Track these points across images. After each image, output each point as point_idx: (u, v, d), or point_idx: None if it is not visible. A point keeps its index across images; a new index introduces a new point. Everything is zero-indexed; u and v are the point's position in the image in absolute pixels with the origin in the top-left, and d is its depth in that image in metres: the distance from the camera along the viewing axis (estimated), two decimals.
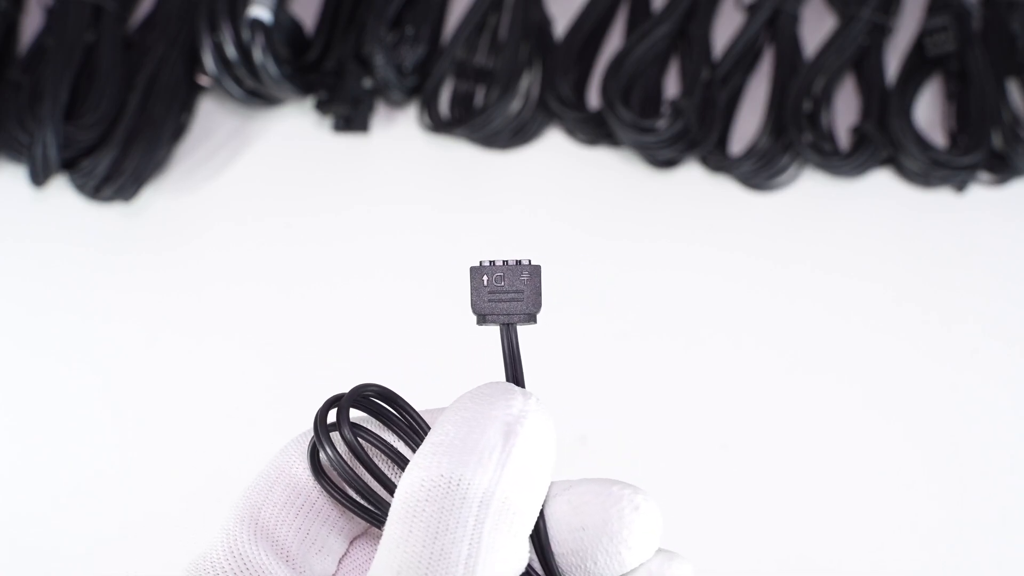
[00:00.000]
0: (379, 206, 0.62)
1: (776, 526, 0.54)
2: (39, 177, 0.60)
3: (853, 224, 0.61)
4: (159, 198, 0.62)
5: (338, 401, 0.28)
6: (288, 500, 0.28)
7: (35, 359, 0.59)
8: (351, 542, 0.30)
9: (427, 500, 0.25)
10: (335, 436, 0.28)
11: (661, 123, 0.59)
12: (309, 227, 0.62)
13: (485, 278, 0.30)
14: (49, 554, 0.54)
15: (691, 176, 0.62)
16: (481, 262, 0.30)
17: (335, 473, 0.28)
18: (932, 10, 0.63)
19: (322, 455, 0.28)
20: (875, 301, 0.59)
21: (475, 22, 0.63)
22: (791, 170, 0.61)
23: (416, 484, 0.25)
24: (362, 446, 0.28)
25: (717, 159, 0.61)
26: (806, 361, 0.57)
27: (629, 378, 0.58)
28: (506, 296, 0.30)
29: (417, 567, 0.25)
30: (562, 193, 0.62)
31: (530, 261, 0.30)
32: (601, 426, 0.56)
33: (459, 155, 0.63)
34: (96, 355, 0.59)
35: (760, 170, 0.60)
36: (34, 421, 0.58)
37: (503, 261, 0.30)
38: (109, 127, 0.61)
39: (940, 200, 0.60)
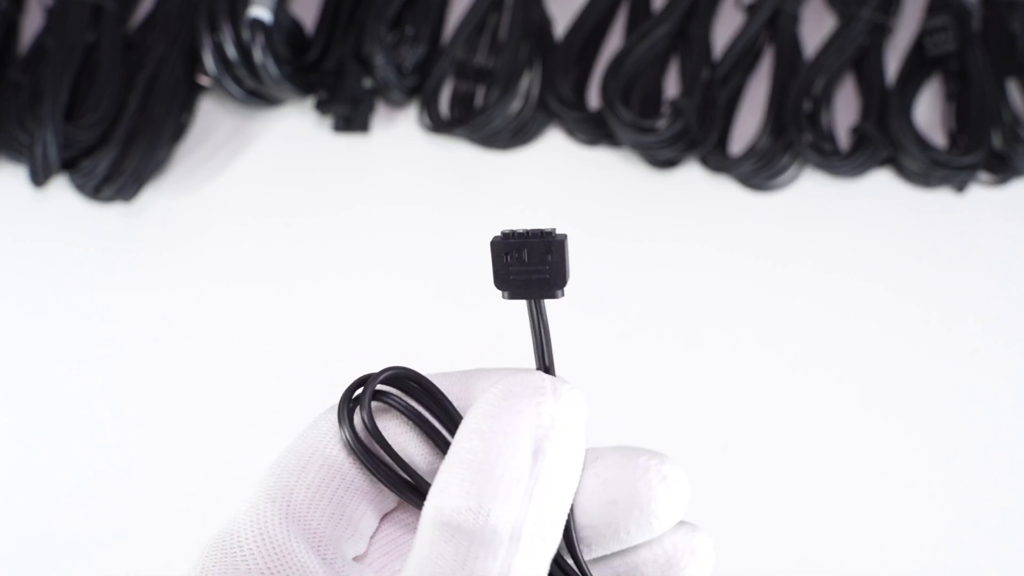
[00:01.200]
0: (379, 206, 0.62)
1: (776, 527, 0.54)
2: (39, 177, 0.60)
3: (853, 224, 0.60)
4: (159, 198, 0.63)
5: (365, 383, 0.28)
6: (323, 482, 0.28)
7: (35, 359, 0.59)
8: (382, 519, 0.30)
9: (457, 529, 0.25)
10: (369, 409, 0.27)
11: (661, 123, 0.59)
12: (309, 227, 0.62)
13: (507, 254, 0.28)
14: (49, 554, 0.54)
15: (691, 176, 0.62)
16: (504, 233, 0.28)
17: (365, 447, 0.28)
18: (932, 10, 0.63)
19: (346, 434, 0.27)
20: (875, 301, 0.59)
21: (475, 22, 0.63)
22: (791, 170, 0.61)
23: (445, 510, 0.25)
24: (379, 435, 0.28)
25: (717, 159, 0.61)
26: (806, 361, 0.57)
27: (629, 378, 0.58)
28: (531, 270, 0.28)
29: None
30: (562, 193, 0.62)
31: (554, 231, 0.28)
32: (601, 427, 0.56)
33: (459, 155, 0.63)
34: (96, 355, 0.59)
35: (760, 170, 0.60)
36: (34, 421, 0.58)
37: (525, 232, 0.28)
38: (109, 127, 0.61)
39: (940, 200, 0.60)
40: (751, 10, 0.63)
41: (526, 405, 0.26)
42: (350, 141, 0.64)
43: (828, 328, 0.58)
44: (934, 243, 0.60)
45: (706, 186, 0.62)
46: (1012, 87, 0.61)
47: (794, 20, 0.63)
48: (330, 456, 0.28)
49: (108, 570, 0.54)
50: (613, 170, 0.62)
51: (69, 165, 0.61)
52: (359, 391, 0.28)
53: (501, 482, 0.25)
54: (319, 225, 0.62)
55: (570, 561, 0.28)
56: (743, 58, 0.63)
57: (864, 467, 0.55)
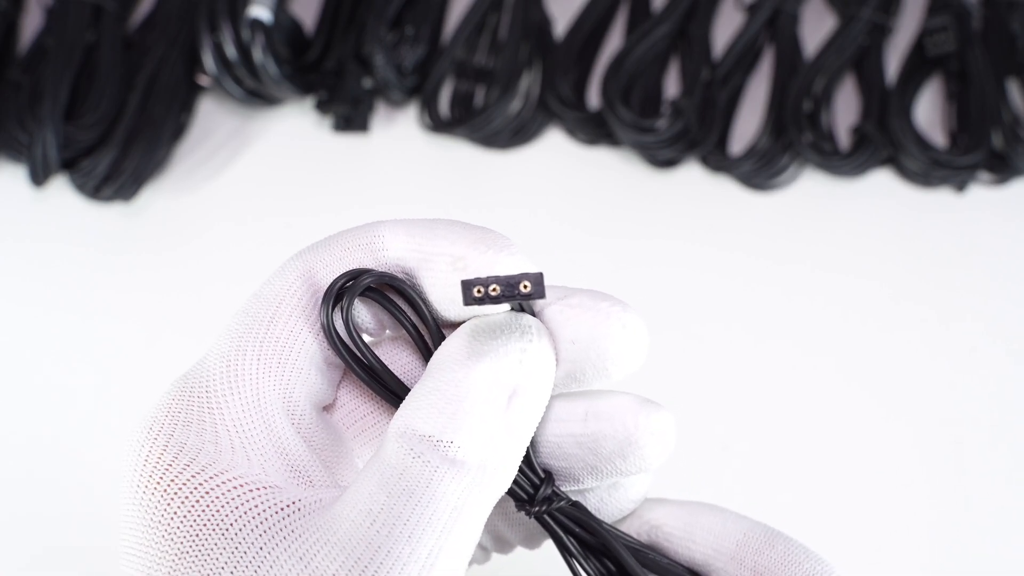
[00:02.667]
0: (379, 206, 0.62)
1: (776, 527, 0.54)
2: (39, 177, 0.60)
3: (853, 224, 0.60)
4: (159, 198, 0.62)
5: (357, 276, 0.28)
6: (293, 333, 0.28)
7: (35, 359, 0.59)
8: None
9: (425, 451, 0.25)
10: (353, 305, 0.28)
11: (661, 123, 0.59)
12: (309, 227, 0.62)
13: (477, 290, 0.27)
14: (47, 554, 0.54)
15: (691, 176, 0.62)
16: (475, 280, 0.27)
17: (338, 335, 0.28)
18: (932, 10, 0.63)
19: (324, 317, 0.28)
20: (875, 301, 0.59)
21: (475, 22, 0.63)
22: (791, 170, 0.61)
23: (416, 433, 0.26)
24: (359, 339, 0.28)
25: (717, 159, 0.61)
26: (806, 361, 0.57)
27: (628, 378, 0.58)
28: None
29: (395, 521, 0.25)
30: (562, 193, 0.62)
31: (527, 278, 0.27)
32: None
33: (459, 155, 0.63)
34: (96, 355, 0.59)
35: (760, 170, 0.60)
36: (33, 421, 0.58)
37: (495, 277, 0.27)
38: (109, 127, 0.61)
39: (940, 200, 0.60)
40: (751, 10, 0.63)
41: (513, 348, 0.27)
42: (350, 141, 0.64)
43: (828, 328, 0.58)
44: (934, 243, 0.60)
45: (706, 186, 0.62)
46: (1012, 87, 0.61)
47: (794, 20, 0.63)
48: (298, 307, 0.28)
49: (108, 571, 0.54)
50: (613, 170, 0.62)
51: (69, 165, 0.61)
52: (350, 282, 0.28)
53: (476, 420, 0.26)
54: (319, 225, 0.62)
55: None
56: (743, 58, 0.63)
57: (864, 465, 0.55)
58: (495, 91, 0.62)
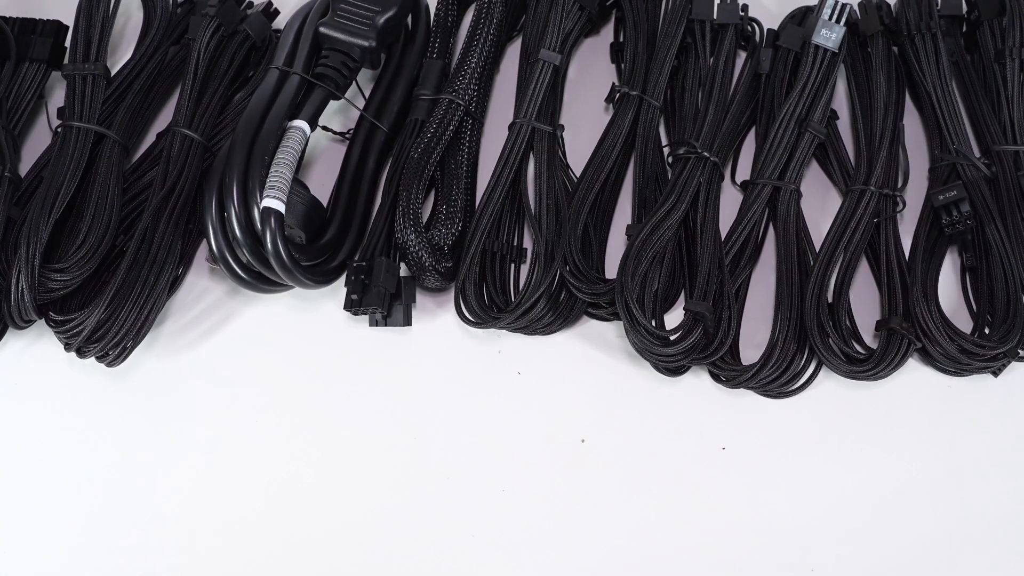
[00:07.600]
0: (421, 400, 0.61)
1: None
2: (16, 322, 0.58)
3: (881, 415, 0.60)
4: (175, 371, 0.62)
5: None
6: None
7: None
8: None
9: None
10: None
11: (679, 336, 0.56)
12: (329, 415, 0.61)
13: None
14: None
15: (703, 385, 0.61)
16: None
17: None
18: (935, 170, 0.61)
19: None
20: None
21: (499, 201, 0.61)
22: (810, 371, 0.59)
23: None
24: None
25: (730, 371, 0.58)
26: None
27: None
28: None
29: None
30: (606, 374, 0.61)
31: None
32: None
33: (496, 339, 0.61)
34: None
35: (778, 377, 0.58)
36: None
37: None
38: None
39: (974, 383, 0.59)
40: (745, 187, 0.62)
41: None
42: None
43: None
44: (965, 427, 0.59)
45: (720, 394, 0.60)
46: None
47: (796, 196, 0.61)
48: None
49: None
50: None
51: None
52: None
53: None
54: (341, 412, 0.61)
55: None
56: (745, 247, 0.61)
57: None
58: (530, 269, 0.60)
